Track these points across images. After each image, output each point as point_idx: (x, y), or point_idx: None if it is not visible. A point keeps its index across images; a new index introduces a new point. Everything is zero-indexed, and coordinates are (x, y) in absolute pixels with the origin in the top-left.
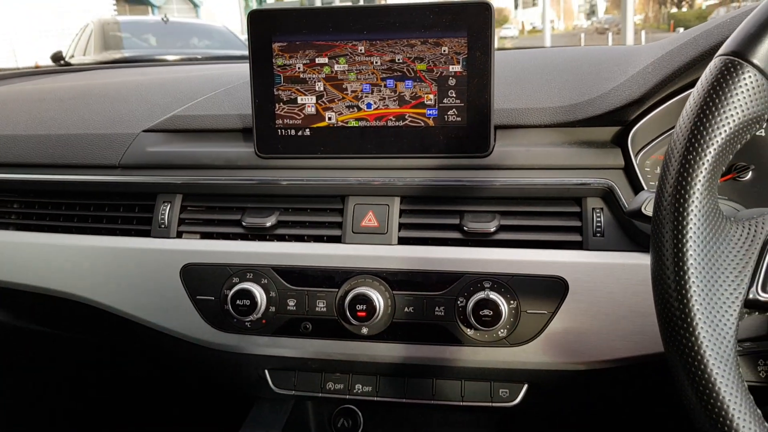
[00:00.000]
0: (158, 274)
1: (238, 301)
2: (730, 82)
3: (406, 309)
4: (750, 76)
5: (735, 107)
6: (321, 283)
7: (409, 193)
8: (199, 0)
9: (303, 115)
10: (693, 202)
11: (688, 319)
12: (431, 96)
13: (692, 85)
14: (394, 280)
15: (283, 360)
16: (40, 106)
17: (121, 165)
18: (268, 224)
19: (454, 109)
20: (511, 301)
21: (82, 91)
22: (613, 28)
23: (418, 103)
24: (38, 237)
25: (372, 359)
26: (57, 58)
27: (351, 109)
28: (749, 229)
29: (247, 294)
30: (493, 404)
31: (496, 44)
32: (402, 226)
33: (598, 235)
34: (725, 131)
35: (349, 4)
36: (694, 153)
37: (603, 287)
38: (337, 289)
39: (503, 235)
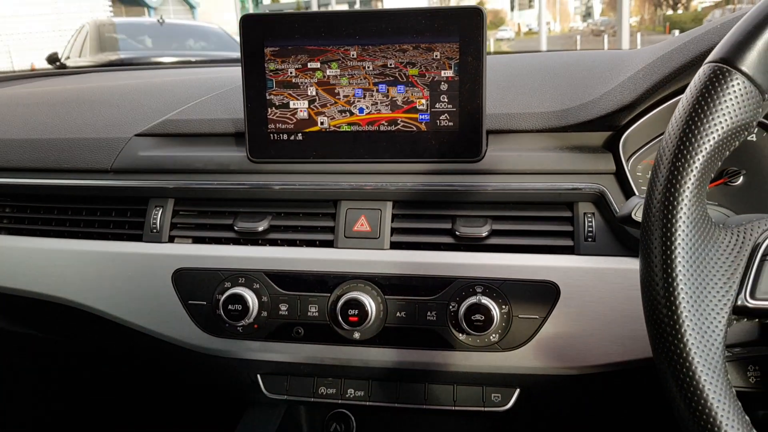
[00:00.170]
0: (150, 278)
1: (229, 306)
2: (719, 89)
3: (398, 314)
4: (738, 84)
5: (723, 114)
6: (313, 287)
7: (401, 198)
8: (195, 1)
9: (295, 120)
10: (682, 209)
11: (677, 326)
12: (423, 101)
13: (683, 91)
14: (386, 284)
15: (276, 365)
16: (33, 111)
17: (113, 169)
18: (260, 229)
19: (446, 114)
20: (503, 306)
21: (74, 95)
22: (609, 30)
23: (411, 108)
24: (30, 241)
25: (364, 364)
26: (53, 59)
27: (343, 114)
28: (738, 235)
29: (239, 299)
30: (486, 409)
31: (492, 46)
32: (394, 231)
33: (590, 239)
34: (714, 138)
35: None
36: (683, 160)
37: (594, 292)
38: (329, 294)
39: (495, 240)
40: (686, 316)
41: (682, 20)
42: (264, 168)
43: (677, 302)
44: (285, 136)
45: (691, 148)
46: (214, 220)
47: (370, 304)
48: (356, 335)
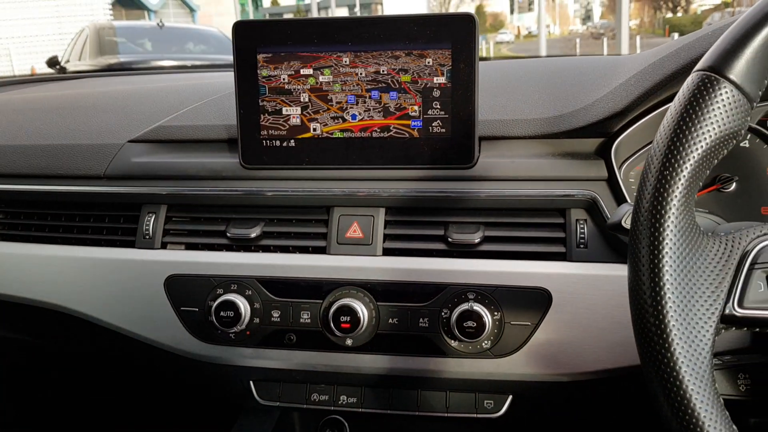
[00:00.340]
0: (142, 285)
1: (221, 313)
2: (707, 97)
3: (390, 320)
4: (726, 92)
5: (712, 123)
6: (305, 294)
7: (393, 204)
8: (195, 4)
9: (288, 126)
10: (669, 217)
11: (664, 335)
12: (416, 107)
13: (674, 98)
14: (378, 291)
15: (268, 371)
16: (27, 117)
17: (107, 176)
18: (253, 235)
19: (438, 121)
20: (495, 313)
21: (68, 101)
22: (608, 33)
23: (403, 115)
24: (23, 248)
25: (357, 370)
26: (53, 62)
27: (336, 120)
28: (726, 244)
29: (231, 305)
30: (478, 415)
31: (492, 49)
32: (387, 237)
33: (582, 246)
34: (702, 147)
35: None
36: (671, 169)
37: (586, 299)
38: (321, 301)
39: (487, 246)
40: (674, 325)
41: (682, 23)
42: (257, 174)
43: (665, 311)
44: (278, 143)
45: (678, 157)
46: (207, 226)
47: (363, 310)
48: (349, 342)
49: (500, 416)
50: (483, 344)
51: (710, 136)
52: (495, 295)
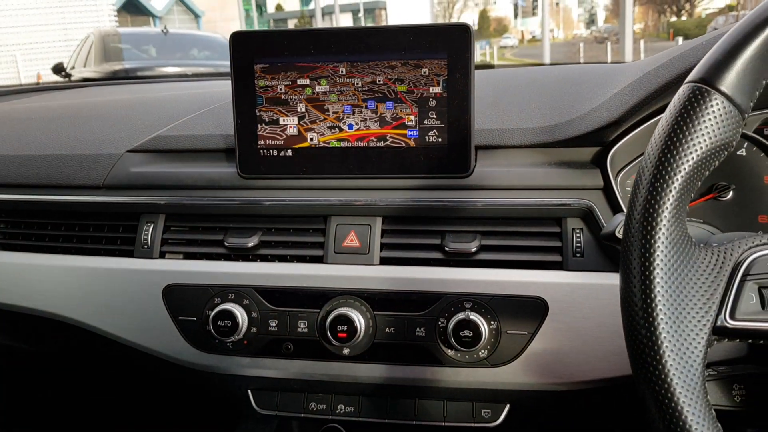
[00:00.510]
0: (141, 294)
1: (219, 322)
2: (698, 109)
3: (387, 329)
4: (717, 104)
5: (703, 135)
6: (302, 303)
7: (390, 213)
8: (200, 10)
9: (285, 136)
10: (660, 229)
11: (655, 347)
12: (412, 117)
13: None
14: (375, 300)
15: (266, 380)
16: (27, 126)
17: (105, 185)
18: (250, 245)
19: (434, 130)
20: (492, 322)
21: (68, 110)
22: (612, 37)
23: (399, 124)
24: (23, 257)
25: (354, 380)
26: (58, 69)
27: (333, 130)
28: (718, 255)
29: (229, 315)
30: (476, 424)
31: (496, 54)
32: (384, 246)
33: (578, 255)
34: (693, 159)
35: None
36: (662, 180)
37: (582, 308)
38: (318, 310)
39: (484, 255)
40: (665, 337)
41: (686, 27)
42: (254, 184)
43: (656, 323)
44: (275, 152)
45: (669, 169)
46: (205, 235)
47: (359, 320)
48: (346, 351)
49: (498, 425)
50: (480, 353)
51: (701, 148)
52: (491, 304)
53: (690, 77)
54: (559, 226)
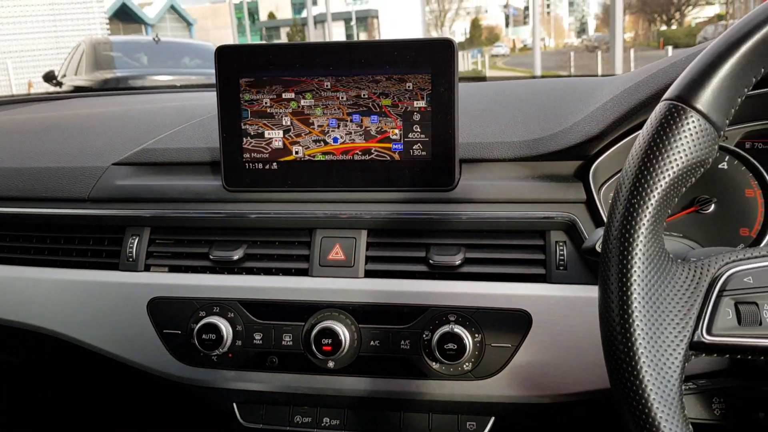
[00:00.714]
0: (125, 307)
1: (204, 335)
2: (674, 127)
3: (372, 343)
4: (693, 122)
5: (679, 152)
6: (287, 316)
7: (375, 227)
8: (193, 18)
9: (270, 149)
10: (637, 245)
11: (633, 362)
12: (396, 131)
13: None
14: (360, 313)
15: (251, 393)
16: (12, 139)
17: (91, 198)
18: (235, 257)
19: (419, 144)
20: (476, 335)
21: (54, 123)
22: (603, 46)
23: (384, 138)
24: (7, 270)
25: (339, 393)
26: (49, 77)
27: (318, 144)
28: (695, 271)
29: (213, 328)
30: None
31: (488, 62)
32: (369, 259)
33: (561, 268)
34: (669, 176)
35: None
36: (638, 197)
37: (566, 320)
38: (303, 323)
39: (468, 268)
40: (642, 352)
41: (676, 36)
42: (239, 197)
43: (633, 338)
44: (260, 166)
45: (646, 186)
46: (190, 248)
47: (344, 333)
48: (331, 364)
49: None
50: (464, 366)
51: (677, 165)
52: (476, 317)
53: (667, 95)
54: (543, 239)
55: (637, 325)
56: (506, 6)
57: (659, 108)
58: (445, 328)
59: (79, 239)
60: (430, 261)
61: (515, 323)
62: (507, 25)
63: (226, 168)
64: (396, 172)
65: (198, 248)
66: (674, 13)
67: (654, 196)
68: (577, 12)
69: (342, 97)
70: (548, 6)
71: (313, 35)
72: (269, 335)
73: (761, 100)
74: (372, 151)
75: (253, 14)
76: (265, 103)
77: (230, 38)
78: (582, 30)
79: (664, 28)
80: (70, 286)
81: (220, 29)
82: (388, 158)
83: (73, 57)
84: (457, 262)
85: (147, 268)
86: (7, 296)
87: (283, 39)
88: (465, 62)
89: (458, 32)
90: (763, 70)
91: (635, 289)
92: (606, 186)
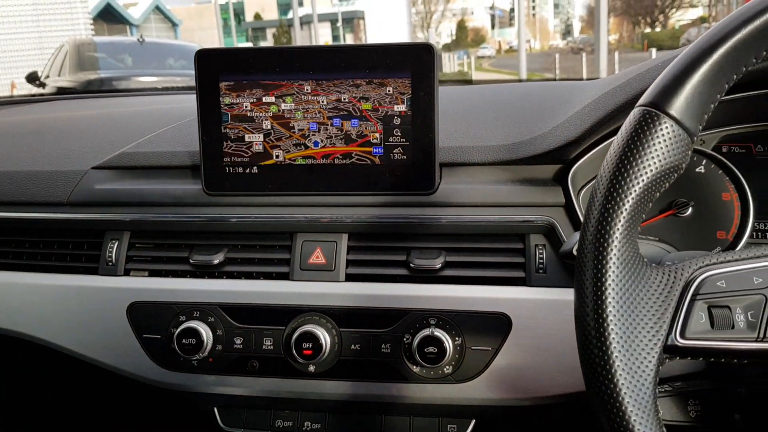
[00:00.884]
0: (105, 312)
1: (184, 340)
2: (648, 133)
3: (352, 346)
4: (667, 127)
5: (653, 157)
6: (268, 320)
7: (356, 230)
8: (178, 19)
9: (251, 153)
10: (612, 250)
11: (607, 365)
12: (377, 135)
13: None
14: (341, 317)
15: (232, 398)
16: None
17: (70, 202)
18: (216, 261)
19: (399, 148)
20: (456, 338)
21: (34, 127)
22: (588, 47)
23: (365, 142)
24: None
25: (320, 397)
26: (32, 78)
27: (298, 147)
28: (669, 275)
29: (193, 333)
30: None
31: (473, 64)
32: (350, 263)
33: (541, 271)
34: (643, 181)
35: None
36: (613, 203)
37: (545, 323)
38: (284, 327)
39: (449, 272)
40: (616, 356)
41: (660, 38)
42: (220, 201)
43: (608, 342)
44: (240, 169)
45: (621, 191)
46: (170, 253)
47: (325, 337)
48: (311, 368)
49: None
50: (445, 369)
51: (651, 171)
52: (456, 321)
53: (641, 101)
54: (523, 243)
55: (612, 328)
56: (492, 8)
57: (633, 114)
58: (426, 332)
59: (58, 243)
60: (411, 265)
61: (495, 326)
62: (493, 26)
63: (206, 172)
64: (377, 175)
65: (178, 252)
66: (658, 16)
67: (628, 202)
68: (563, 14)
69: (322, 101)
70: (533, 8)
71: (299, 36)
72: (250, 339)
73: (737, 104)
74: (353, 155)
75: (239, 15)
76: (246, 106)
77: (216, 39)
78: (567, 32)
79: (648, 30)
80: (49, 291)
81: (205, 30)
82: (369, 162)
83: (56, 58)
84: (438, 266)
85: (127, 273)
86: None
87: (269, 40)
88: (451, 64)
89: (444, 34)
90: (735, 76)
91: (610, 293)
92: (585, 189)
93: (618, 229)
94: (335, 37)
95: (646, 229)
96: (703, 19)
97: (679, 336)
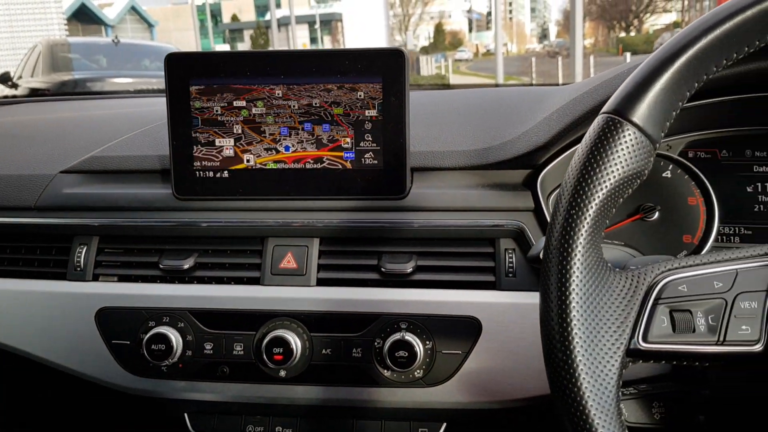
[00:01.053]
0: (73, 318)
1: (153, 346)
2: (611, 139)
3: (323, 351)
4: (629, 134)
5: (616, 164)
6: (238, 326)
7: (327, 235)
8: (154, 20)
9: (221, 158)
10: (576, 255)
11: (571, 369)
12: (348, 139)
13: None
14: (312, 321)
15: (202, 404)
16: None
17: (37, 207)
18: (186, 266)
19: (370, 153)
20: (427, 342)
21: (5, 129)
22: (564, 51)
23: (336, 146)
24: None
25: (291, 402)
26: (4, 79)
27: (269, 152)
28: (632, 279)
29: (163, 338)
30: None
31: (451, 67)
32: (321, 268)
33: (510, 275)
34: (606, 188)
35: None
36: (577, 209)
37: (515, 327)
38: (254, 332)
39: (420, 276)
40: (580, 360)
41: (635, 42)
42: (190, 205)
43: (572, 346)
44: (211, 174)
45: (584, 197)
46: (140, 257)
47: (296, 341)
48: (282, 373)
49: None
50: (415, 373)
51: (614, 177)
52: (427, 325)
53: (605, 108)
54: (493, 247)
55: (576, 332)
56: (469, 11)
57: (597, 121)
58: (397, 336)
59: (26, 248)
60: (382, 269)
61: (465, 330)
62: (470, 30)
63: (176, 176)
64: (348, 180)
65: (148, 257)
66: (633, 20)
67: (592, 207)
68: (539, 18)
69: (293, 106)
70: (510, 12)
71: (277, 38)
72: (220, 345)
73: (702, 111)
74: (324, 159)
75: (216, 16)
76: (216, 111)
77: (192, 40)
78: (544, 36)
79: (623, 34)
80: (16, 297)
81: (182, 31)
82: (340, 167)
83: (29, 58)
84: (409, 270)
85: (95, 278)
86: None
87: (247, 41)
88: (429, 66)
89: (422, 37)
90: (696, 84)
91: (574, 297)
92: (554, 194)
93: (582, 235)
94: (313, 39)
95: (614, 234)
96: (676, 24)
97: (642, 339)
